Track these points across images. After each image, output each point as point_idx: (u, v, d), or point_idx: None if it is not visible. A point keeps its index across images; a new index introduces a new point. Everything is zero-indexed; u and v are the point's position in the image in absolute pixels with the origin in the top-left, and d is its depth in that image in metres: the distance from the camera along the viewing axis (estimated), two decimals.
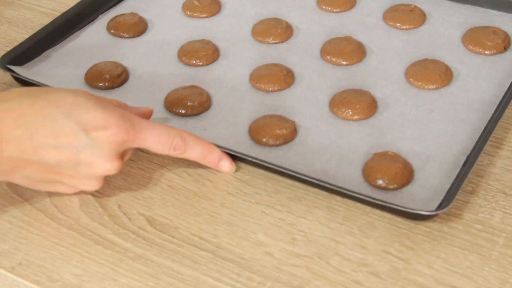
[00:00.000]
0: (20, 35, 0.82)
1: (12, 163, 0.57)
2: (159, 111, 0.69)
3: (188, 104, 0.69)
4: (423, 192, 0.59)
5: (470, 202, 0.59)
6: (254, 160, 0.62)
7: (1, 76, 0.76)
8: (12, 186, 0.63)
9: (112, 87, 0.73)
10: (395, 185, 0.60)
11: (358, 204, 0.59)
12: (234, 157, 0.63)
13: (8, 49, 0.78)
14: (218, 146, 0.63)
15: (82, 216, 0.60)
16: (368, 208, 0.59)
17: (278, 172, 0.62)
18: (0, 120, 0.56)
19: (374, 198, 0.58)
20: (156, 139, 0.59)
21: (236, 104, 0.70)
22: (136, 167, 0.64)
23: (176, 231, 0.58)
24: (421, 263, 0.55)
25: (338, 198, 0.60)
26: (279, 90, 0.71)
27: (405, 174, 0.60)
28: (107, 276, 0.55)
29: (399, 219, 0.58)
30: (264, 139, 0.65)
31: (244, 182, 0.62)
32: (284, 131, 0.65)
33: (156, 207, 0.60)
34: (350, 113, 0.67)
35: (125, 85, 0.73)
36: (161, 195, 0.62)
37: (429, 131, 0.65)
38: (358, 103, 0.67)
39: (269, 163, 0.62)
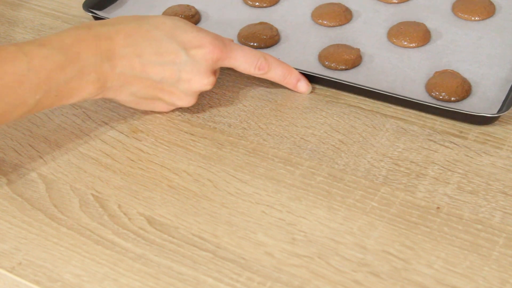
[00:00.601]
0: (20, 35, 0.82)
1: (123, 79, 0.63)
2: None
3: (262, 37, 0.77)
4: (481, 103, 0.68)
5: (470, 202, 0.59)
6: (331, 79, 0.70)
7: (83, 17, 0.83)
8: (12, 186, 0.63)
9: None
10: (457, 97, 0.68)
11: (358, 204, 0.59)
12: (309, 80, 0.71)
13: None
14: (296, 69, 0.71)
15: (82, 216, 0.60)
16: (368, 208, 0.59)
17: (352, 89, 0.70)
18: (113, 39, 0.62)
19: (443, 106, 0.66)
20: (244, 59, 0.67)
21: (303, 37, 0.78)
22: (136, 167, 0.64)
23: (176, 231, 0.58)
24: (421, 263, 0.55)
25: (338, 198, 0.60)
26: (340, 25, 0.80)
27: (464, 87, 0.68)
28: (107, 276, 0.55)
29: (399, 219, 0.58)
30: (333, 64, 0.73)
31: (244, 182, 0.62)
32: (352, 56, 0.73)
33: (156, 207, 0.60)
34: (408, 39, 0.75)
35: (198, 25, 0.80)
36: (161, 195, 0.62)
37: (480, 53, 0.74)
38: (415, 32, 0.76)
39: (346, 81, 0.70)
